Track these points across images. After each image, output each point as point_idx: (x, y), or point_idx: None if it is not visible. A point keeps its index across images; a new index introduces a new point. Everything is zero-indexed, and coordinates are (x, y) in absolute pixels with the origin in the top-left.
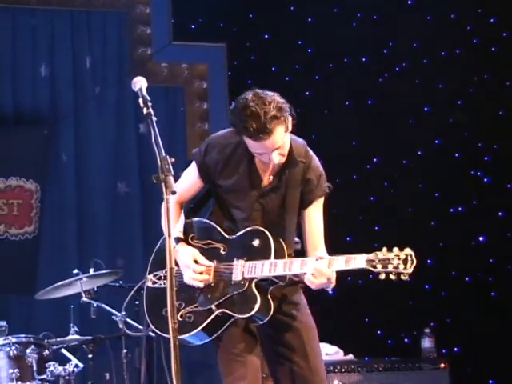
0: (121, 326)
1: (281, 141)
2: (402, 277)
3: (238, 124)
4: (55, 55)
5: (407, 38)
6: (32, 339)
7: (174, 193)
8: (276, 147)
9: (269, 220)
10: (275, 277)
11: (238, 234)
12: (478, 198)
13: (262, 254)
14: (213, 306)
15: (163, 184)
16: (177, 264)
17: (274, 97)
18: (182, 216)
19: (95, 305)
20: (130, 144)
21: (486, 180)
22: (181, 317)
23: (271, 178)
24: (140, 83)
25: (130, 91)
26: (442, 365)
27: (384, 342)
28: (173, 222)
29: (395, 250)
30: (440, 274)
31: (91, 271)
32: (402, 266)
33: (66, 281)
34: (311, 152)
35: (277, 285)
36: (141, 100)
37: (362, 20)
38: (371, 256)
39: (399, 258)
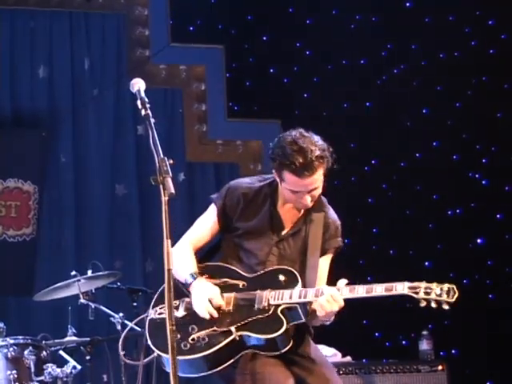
0: (118, 327)
1: (320, 182)
2: (444, 306)
3: (283, 158)
4: (53, 57)
5: (406, 40)
6: (30, 341)
7: (171, 195)
8: (313, 187)
9: (287, 265)
10: (301, 307)
11: (259, 273)
12: (475, 200)
13: (288, 286)
14: (232, 328)
15: (161, 186)
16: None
17: (318, 138)
18: (193, 258)
19: (93, 306)
20: (128, 146)
21: (484, 182)
22: (192, 340)
23: (292, 223)
24: (138, 85)
25: (128, 93)
26: (440, 367)
27: (382, 344)
28: (186, 260)
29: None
30: (438, 276)
31: (89, 273)
32: (444, 296)
33: (64, 282)
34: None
35: (298, 321)
36: (139, 102)
37: (360, 22)
38: (414, 284)
39: (441, 289)
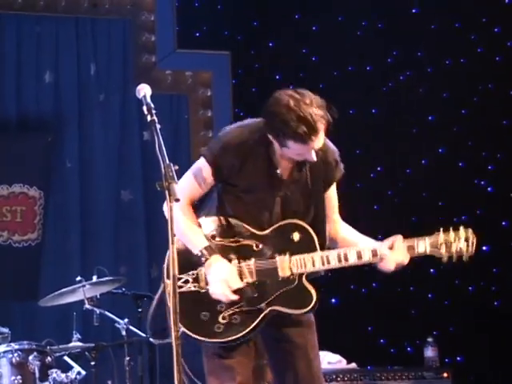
0: (123, 333)
1: (323, 139)
2: (464, 258)
3: (284, 129)
4: (60, 62)
5: (411, 46)
6: (34, 346)
7: (177, 200)
8: (319, 146)
9: (292, 212)
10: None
11: (270, 229)
12: (481, 207)
13: (305, 247)
14: (263, 305)
15: (167, 191)
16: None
17: (309, 94)
18: (198, 220)
19: (98, 312)
20: (134, 151)
21: (489, 189)
22: (223, 318)
23: (291, 169)
24: (144, 90)
25: (134, 98)
26: (445, 374)
27: (387, 351)
28: (193, 227)
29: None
30: (443, 283)
31: (94, 278)
32: (464, 248)
33: (69, 288)
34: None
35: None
36: (145, 107)
37: (366, 29)
38: (433, 239)
39: (460, 239)
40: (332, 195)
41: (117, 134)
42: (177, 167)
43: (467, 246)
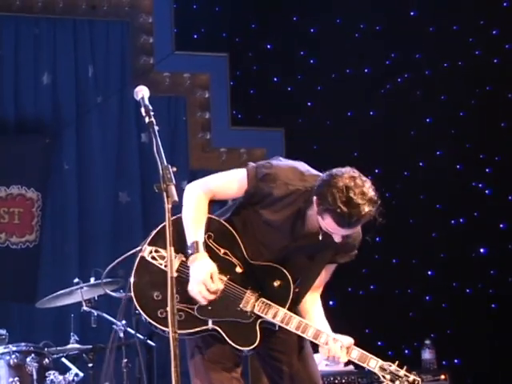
0: (121, 335)
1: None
2: None
3: (329, 202)
4: (58, 64)
5: (409, 49)
6: (32, 348)
7: (175, 202)
8: (349, 234)
9: (289, 264)
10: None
11: (260, 263)
12: (479, 209)
13: (278, 297)
14: (210, 320)
15: (165, 193)
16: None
17: (369, 185)
18: (206, 217)
19: (96, 314)
20: (132, 153)
21: (487, 192)
22: None
23: (313, 229)
24: (142, 92)
25: (132, 100)
26: (443, 376)
27: (384, 353)
28: (198, 218)
29: (404, 369)
30: (441, 285)
31: (92, 280)
32: None
33: (67, 290)
34: None
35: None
36: (143, 109)
37: (364, 31)
38: (385, 364)
39: (408, 381)
40: (329, 271)
41: (115, 135)
42: (175, 169)
43: None
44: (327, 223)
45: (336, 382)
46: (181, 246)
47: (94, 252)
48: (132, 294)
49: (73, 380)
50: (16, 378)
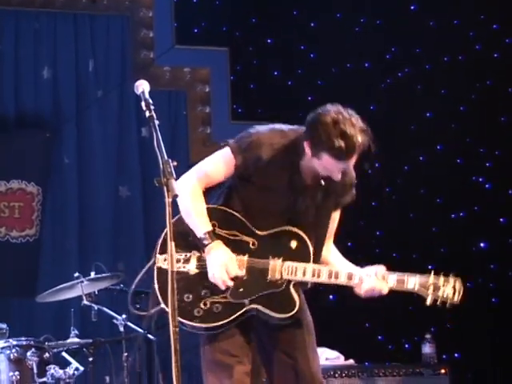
0: (121, 329)
1: (353, 163)
2: (447, 305)
3: (323, 139)
4: (58, 58)
5: (410, 43)
6: (32, 342)
7: (175, 196)
8: (348, 168)
9: (298, 221)
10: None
11: (271, 231)
12: (479, 204)
13: (300, 256)
14: (246, 301)
15: (165, 187)
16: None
17: (357, 117)
18: (205, 207)
19: (96, 308)
20: (132, 147)
21: (487, 186)
22: (204, 304)
23: (311, 181)
24: (142, 86)
25: (132, 95)
26: (443, 370)
27: (385, 347)
28: (199, 210)
29: (442, 276)
30: None
31: (92, 274)
32: (450, 296)
33: (67, 284)
34: None
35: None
36: (143, 103)
37: (364, 25)
38: (423, 280)
39: (450, 287)
40: (335, 218)
41: (115, 130)
42: (175, 163)
43: (453, 293)
44: (325, 162)
45: (336, 375)
46: (190, 243)
47: (95, 246)
48: (163, 306)
49: (73, 374)
50: (16, 372)
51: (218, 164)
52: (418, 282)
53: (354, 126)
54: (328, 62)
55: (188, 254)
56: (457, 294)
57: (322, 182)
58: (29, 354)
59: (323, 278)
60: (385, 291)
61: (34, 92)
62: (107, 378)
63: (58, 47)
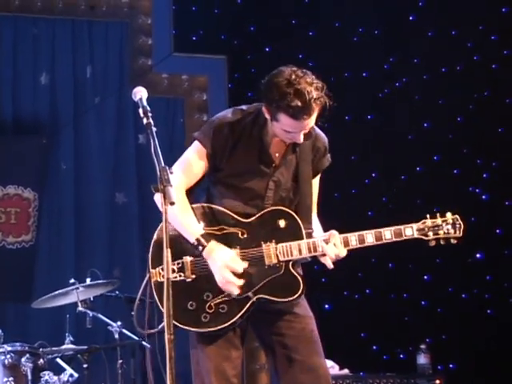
0: (116, 336)
1: (314, 121)
2: (452, 241)
3: (279, 100)
4: (56, 64)
5: (408, 53)
6: (27, 348)
7: (172, 203)
8: (308, 128)
9: (282, 197)
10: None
11: (255, 216)
12: (475, 214)
13: (291, 234)
14: (250, 294)
15: (162, 195)
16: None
17: (312, 75)
18: (191, 210)
19: (91, 314)
20: (129, 154)
21: (484, 197)
22: (210, 308)
23: (282, 154)
24: (140, 93)
25: (130, 101)
26: (438, 381)
27: (380, 358)
28: (187, 215)
29: (438, 216)
30: (436, 290)
31: (88, 281)
32: (452, 231)
33: (63, 290)
34: None
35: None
36: (141, 110)
37: (362, 35)
38: (420, 225)
39: (447, 223)
40: (315, 184)
41: (112, 136)
42: (172, 170)
43: (454, 228)
44: (284, 124)
45: None
46: (178, 250)
47: (91, 253)
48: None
49: (67, 380)
50: (11, 378)
51: (193, 160)
52: (416, 229)
53: (309, 83)
54: (326, 71)
55: (180, 261)
56: (457, 227)
57: (298, 151)
58: (23, 360)
59: (320, 250)
60: (342, 254)
61: (31, 98)
62: None
63: (56, 53)
